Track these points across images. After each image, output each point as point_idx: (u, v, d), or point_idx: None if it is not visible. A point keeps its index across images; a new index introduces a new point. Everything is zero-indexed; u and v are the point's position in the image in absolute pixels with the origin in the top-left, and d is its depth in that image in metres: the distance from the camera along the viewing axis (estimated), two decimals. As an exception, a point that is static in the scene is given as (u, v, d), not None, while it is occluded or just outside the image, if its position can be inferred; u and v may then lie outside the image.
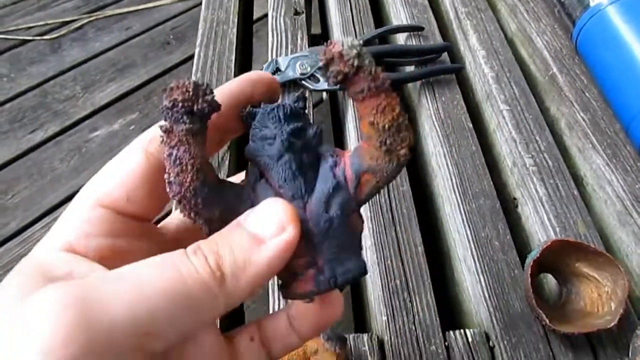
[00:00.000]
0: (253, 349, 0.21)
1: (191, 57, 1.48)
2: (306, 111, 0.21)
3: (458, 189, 0.54)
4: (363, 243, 0.51)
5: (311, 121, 0.21)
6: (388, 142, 0.18)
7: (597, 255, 0.46)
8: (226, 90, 0.20)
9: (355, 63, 0.17)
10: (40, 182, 1.22)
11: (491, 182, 0.55)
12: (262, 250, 0.16)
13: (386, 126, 0.18)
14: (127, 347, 0.14)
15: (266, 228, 0.17)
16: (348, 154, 0.20)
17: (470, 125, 0.60)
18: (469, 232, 0.51)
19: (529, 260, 0.45)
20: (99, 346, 0.14)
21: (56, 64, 1.43)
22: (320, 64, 0.18)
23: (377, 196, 0.53)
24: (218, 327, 0.24)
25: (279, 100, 0.22)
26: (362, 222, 0.20)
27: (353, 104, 0.61)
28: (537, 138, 0.59)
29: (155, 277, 0.15)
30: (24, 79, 1.40)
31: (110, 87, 1.39)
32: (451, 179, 0.55)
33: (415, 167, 0.63)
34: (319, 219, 0.18)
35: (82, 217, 0.18)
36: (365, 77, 0.18)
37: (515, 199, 0.58)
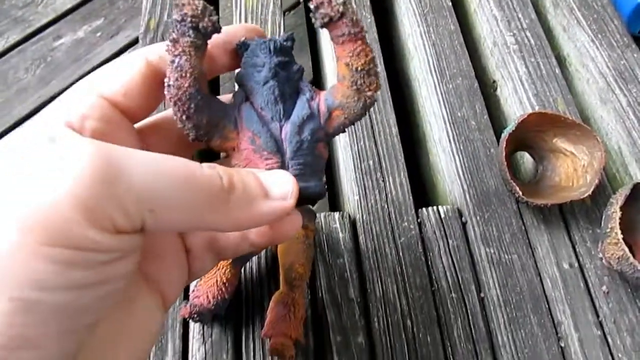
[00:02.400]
0: (203, 250, 0.23)
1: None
2: (292, 51, 0.23)
3: (435, 70, 0.52)
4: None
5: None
6: (359, 82, 0.21)
7: (575, 129, 0.44)
8: (224, 29, 0.22)
9: (341, 9, 0.20)
10: (6, 93, 1.16)
11: (469, 62, 0.53)
12: (266, 203, 0.19)
13: (359, 68, 0.21)
14: (133, 211, 0.15)
15: (276, 189, 0.19)
16: (323, 92, 0.23)
17: (449, 4, 0.56)
18: (445, 113, 0.49)
19: (505, 134, 0.43)
20: (114, 198, 0.14)
21: (10, -33, 1.32)
22: (311, 6, 0.20)
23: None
24: None
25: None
26: (327, 152, 0.23)
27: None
28: (520, 15, 0.56)
29: (173, 163, 0.16)
30: (-25, -16, 1.29)
31: (72, -10, 1.29)
32: (428, 60, 0.52)
33: (391, 53, 0.60)
34: (292, 140, 0.22)
35: (81, 101, 0.19)
36: (347, 22, 0.20)
37: (494, 81, 0.55)
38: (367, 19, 0.55)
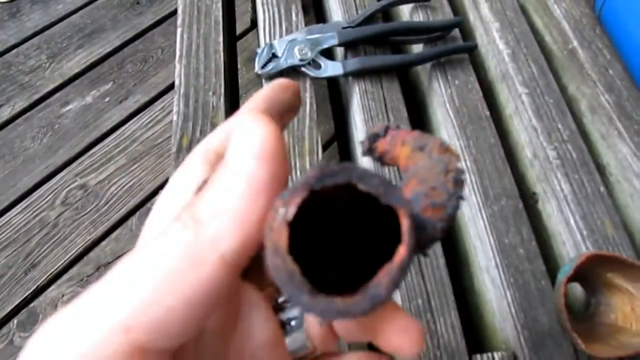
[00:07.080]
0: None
1: (165, 19, 1.36)
2: None
3: (478, 190, 0.50)
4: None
5: None
6: None
7: (634, 268, 0.42)
8: (264, 95, 0.20)
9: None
10: (13, 163, 1.13)
11: (512, 180, 0.51)
12: None
13: None
14: None
15: None
16: None
17: (487, 114, 0.55)
18: (492, 240, 0.47)
19: (562, 278, 0.41)
20: None
21: (17, 31, 1.29)
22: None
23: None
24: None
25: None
26: None
27: (358, 92, 0.55)
28: (559, 126, 0.54)
29: None
30: (-18, 49, 1.28)
31: (79, 55, 1.27)
32: (470, 178, 0.51)
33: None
34: None
35: None
36: None
37: (534, 193, 0.53)
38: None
